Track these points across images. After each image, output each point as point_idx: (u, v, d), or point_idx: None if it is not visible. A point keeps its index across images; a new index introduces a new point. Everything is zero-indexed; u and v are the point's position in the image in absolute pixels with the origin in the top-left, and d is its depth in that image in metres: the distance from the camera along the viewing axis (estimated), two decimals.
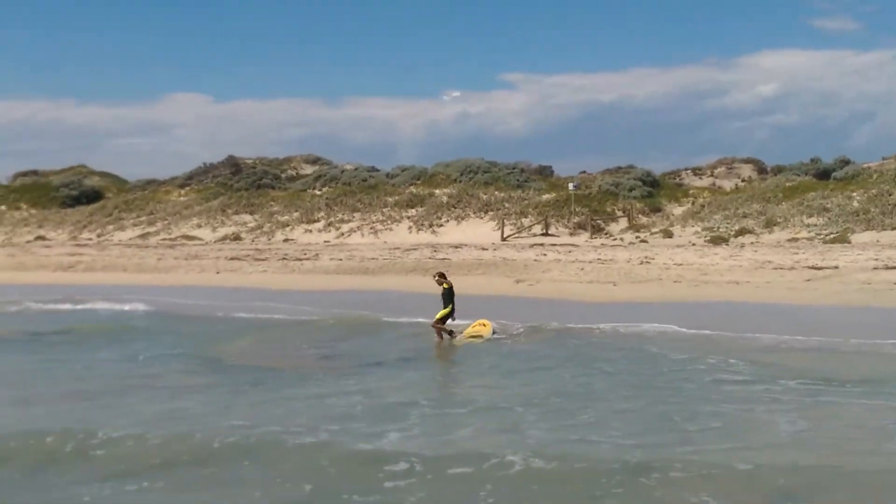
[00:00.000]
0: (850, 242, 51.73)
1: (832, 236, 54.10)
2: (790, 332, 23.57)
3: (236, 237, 70.89)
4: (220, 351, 23.71)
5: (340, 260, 50.25)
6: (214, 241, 69.36)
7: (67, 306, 33.86)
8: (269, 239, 69.16)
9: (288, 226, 71.49)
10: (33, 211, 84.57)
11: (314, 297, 34.12)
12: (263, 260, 51.69)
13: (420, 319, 27.33)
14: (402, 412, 16.15)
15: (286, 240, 68.19)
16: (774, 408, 15.93)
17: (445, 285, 25.71)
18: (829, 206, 59.67)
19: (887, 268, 37.90)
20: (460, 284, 36.55)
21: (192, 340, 25.29)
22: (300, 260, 51.05)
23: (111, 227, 78.32)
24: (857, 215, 57.16)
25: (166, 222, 77.04)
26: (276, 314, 30.65)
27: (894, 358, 20.52)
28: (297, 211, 73.51)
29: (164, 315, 31.08)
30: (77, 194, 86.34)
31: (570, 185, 67.77)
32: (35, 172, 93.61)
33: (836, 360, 20.45)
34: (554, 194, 69.25)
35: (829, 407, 16.21)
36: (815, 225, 57.47)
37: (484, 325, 25.19)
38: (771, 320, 25.86)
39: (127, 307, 32.88)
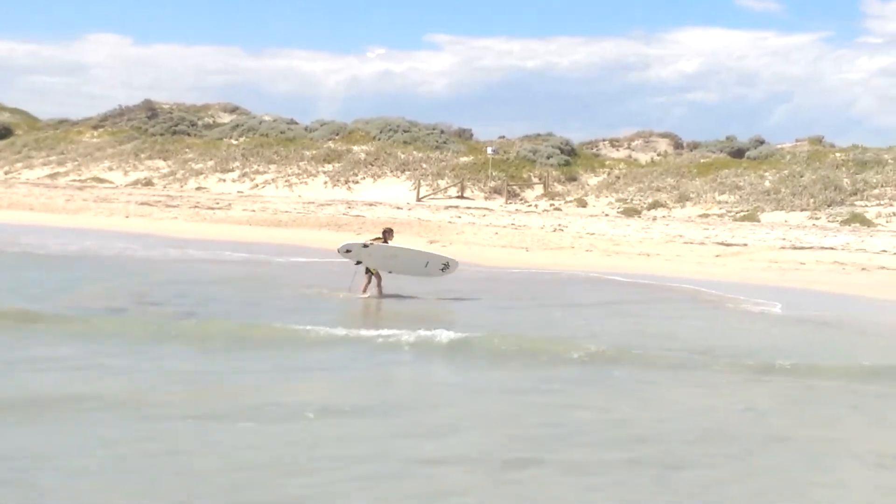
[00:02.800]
0: (759, 221, 52.34)
1: (742, 214, 54.69)
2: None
3: (148, 182, 69.84)
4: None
5: (253, 211, 49.74)
6: (125, 185, 68.30)
7: None
8: (182, 186, 68.24)
9: (202, 174, 70.59)
10: None
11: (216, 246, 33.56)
12: (174, 207, 50.98)
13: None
14: None
15: (199, 188, 67.32)
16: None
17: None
18: (741, 184, 60.30)
19: (794, 248, 38.35)
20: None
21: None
22: (212, 209, 50.41)
23: (19, 164, 76.79)
24: (768, 195, 57.84)
25: (77, 163, 75.67)
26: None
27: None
28: (211, 160, 72.57)
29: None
30: None
31: (489, 150, 67.67)
32: None
33: None
34: (472, 157, 69.12)
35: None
36: (727, 202, 58.06)
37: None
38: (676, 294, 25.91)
39: None
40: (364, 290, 22.23)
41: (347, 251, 22.36)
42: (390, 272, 22.70)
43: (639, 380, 14.33)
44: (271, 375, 13.69)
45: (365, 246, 22.24)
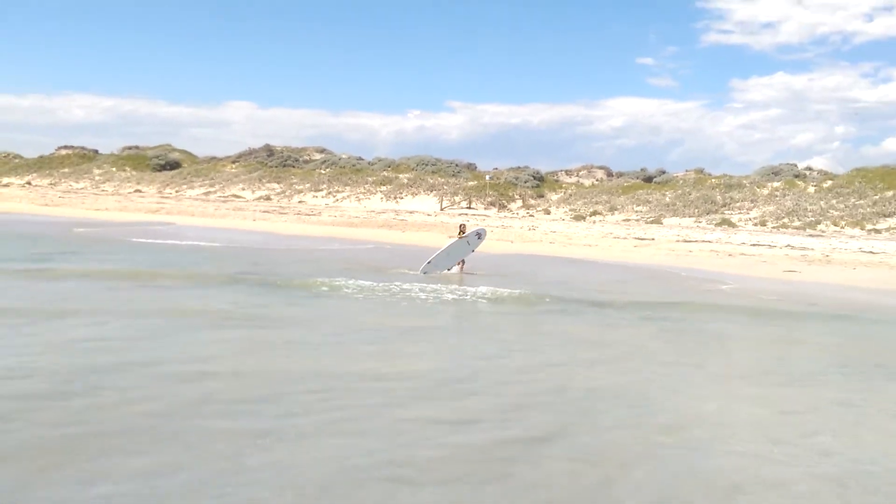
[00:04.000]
0: (662, 224, 52.22)
1: (651, 219, 54.59)
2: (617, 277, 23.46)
3: (268, 198, 70.04)
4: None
5: (335, 216, 49.81)
6: (253, 200, 68.50)
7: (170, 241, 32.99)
8: (289, 201, 68.46)
9: (302, 192, 70.77)
10: (133, 173, 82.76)
11: (308, 241, 33.59)
12: (285, 214, 51.08)
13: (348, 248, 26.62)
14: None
15: (300, 202, 67.49)
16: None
17: (460, 235, 22.16)
18: (650, 199, 60.17)
19: (685, 241, 38.32)
20: (413, 237, 36.54)
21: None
22: (309, 215, 50.52)
23: (185, 186, 77.09)
24: (668, 207, 57.74)
25: (221, 185, 75.91)
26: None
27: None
28: (308, 183, 72.76)
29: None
30: (163, 163, 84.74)
31: (487, 177, 67.69)
32: (136, 147, 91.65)
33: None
34: (476, 182, 69.10)
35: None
36: (641, 211, 57.98)
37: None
38: (608, 268, 25.88)
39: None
40: (461, 268, 21.41)
41: (425, 273, 20.69)
42: (457, 261, 21.47)
43: (582, 312, 14.34)
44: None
45: (428, 263, 20.92)
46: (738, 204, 56.38)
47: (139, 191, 75.52)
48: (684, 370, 10.45)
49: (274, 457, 6.26)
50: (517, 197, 65.83)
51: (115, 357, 9.06)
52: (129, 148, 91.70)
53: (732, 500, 6.03)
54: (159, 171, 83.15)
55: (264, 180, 75.34)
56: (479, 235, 22.57)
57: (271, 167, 78.96)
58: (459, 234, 22.21)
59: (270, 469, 6.03)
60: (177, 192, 74.98)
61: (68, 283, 15.45)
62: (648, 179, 68.36)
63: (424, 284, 17.97)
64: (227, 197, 70.92)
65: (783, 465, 6.86)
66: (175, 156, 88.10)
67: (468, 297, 16.54)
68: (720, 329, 14.38)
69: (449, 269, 21.48)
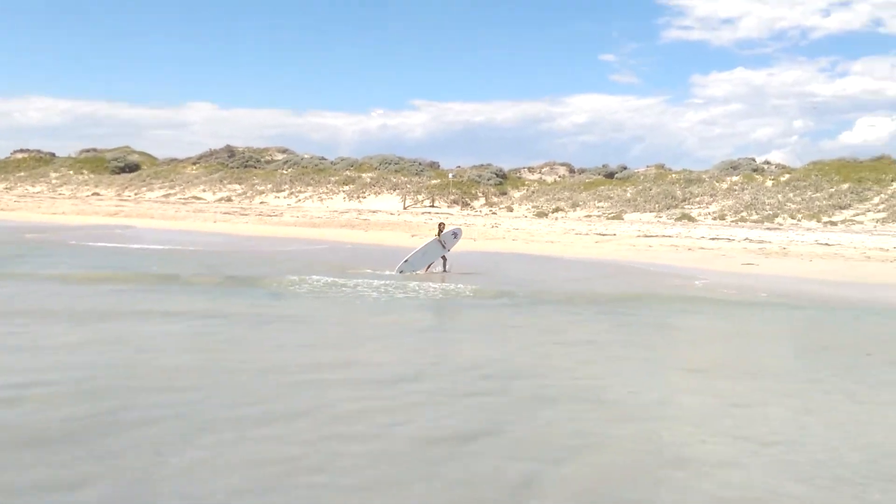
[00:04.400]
0: (623, 219, 52.74)
1: (612, 215, 55.10)
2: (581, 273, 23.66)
3: (229, 199, 69.42)
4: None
5: (297, 217, 49.56)
6: (214, 202, 67.85)
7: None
8: (251, 202, 67.94)
9: (263, 193, 70.26)
10: (91, 176, 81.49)
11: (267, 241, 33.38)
12: (246, 215, 50.68)
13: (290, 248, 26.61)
14: None
15: (262, 203, 67.01)
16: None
17: (438, 234, 22.17)
18: (612, 195, 60.72)
19: (646, 236, 38.76)
20: (376, 237, 36.49)
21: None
22: (270, 216, 50.20)
23: (144, 188, 76.13)
24: (629, 202, 58.30)
25: (181, 187, 75.08)
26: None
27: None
28: (270, 184, 72.25)
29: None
30: (122, 165, 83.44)
31: (450, 175, 67.79)
32: (95, 150, 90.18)
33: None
34: (439, 180, 69.16)
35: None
36: (603, 207, 58.49)
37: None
38: (568, 264, 26.09)
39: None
40: (428, 269, 21.29)
41: (401, 272, 20.62)
42: (433, 260, 21.51)
43: (542, 303, 14.48)
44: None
45: (405, 262, 20.86)
46: (697, 199, 57.15)
47: (97, 194, 74.40)
48: (637, 362, 10.59)
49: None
50: (480, 195, 66.02)
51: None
52: (87, 150, 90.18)
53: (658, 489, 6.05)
54: (118, 173, 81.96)
55: (225, 181, 74.63)
56: (455, 235, 22.64)
57: (232, 168, 78.24)
58: (438, 233, 22.26)
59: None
60: (136, 194, 74.01)
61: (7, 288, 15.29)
62: (610, 175, 68.97)
63: (379, 282, 18.04)
64: (188, 199, 70.17)
65: (719, 451, 6.98)
66: (134, 158, 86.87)
67: (421, 294, 16.61)
68: (677, 322, 14.63)
69: (426, 270, 21.41)
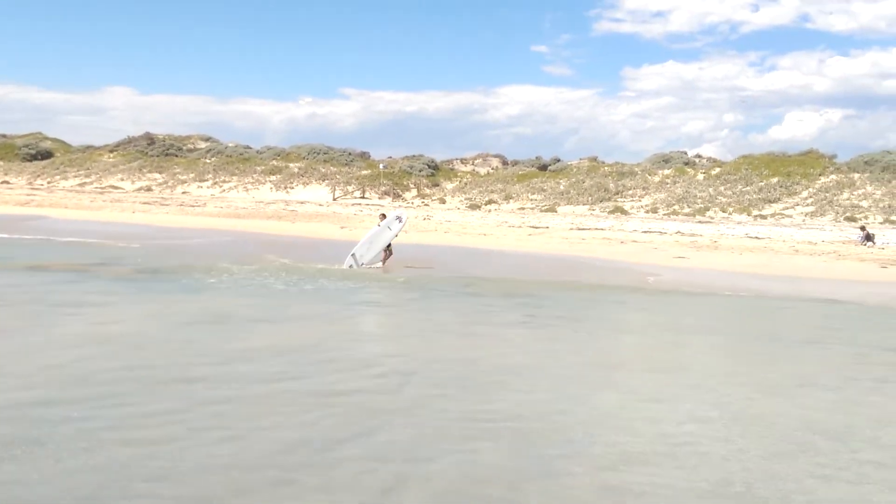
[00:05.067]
0: (557, 212, 53.22)
1: (546, 207, 55.55)
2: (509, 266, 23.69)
3: (149, 189, 67.55)
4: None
5: (221, 208, 48.50)
6: (133, 191, 65.94)
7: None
8: (172, 191, 66.22)
9: (186, 183, 68.57)
10: (0, 163, 78.35)
11: (185, 232, 32.62)
12: (167, 205, 49.39)
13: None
14: None
15: (184, 192, 65.41)
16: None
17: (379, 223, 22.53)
18: (545, 188, 61.19)
19: (579, 229, 39.14)
20: (304, 228, 35.97)
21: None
22: (193, 206, 49.02)
23: (58, 177, 73.46)
24: (562, 195, 58.84)
25: (98, 176, 72.71)
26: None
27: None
28: (192, 173, 70.51)
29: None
30: (34, 153, 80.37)
31: (381, 165, 67.31)
32: (4, 136, 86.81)
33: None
34: (370, 171, 68.57)
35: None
36: (536, 200, 58.88)
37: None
38: (498, 257, 26.13)
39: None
40: (384, 262, 21.38)
41: (350, 267, 20.70)
42: (384, 249, 21.43)
43: (449, 297, 14.41)
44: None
45: (350, 267, 20.81)
46: (630, 191, 58.05)
47: (6, 182, 71.50)
48: (551, 357, 10.53)
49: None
50: (412, 186, 65.79)
51: None
52: None
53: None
54: (29, 160, 78.93)
55: (145, 170, 72.66)
56: (400, 219, 22.44)
57: (152, 156, 76.21)
58: (380, 217, 22.22)
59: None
60: (49, 183, 71.43)
61: None
62: (543, 168, 69.48)
63: (285, 276, 17.74)
64: (105, 188, 68.03)
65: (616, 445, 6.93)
66: (47, 145, 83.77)
67: (330, 287, 16.38)
68: (601, 314, 14.70)
69: (373, 263, 21.12)
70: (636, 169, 62.88)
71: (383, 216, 22.83)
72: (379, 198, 62.27)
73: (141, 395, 7.73)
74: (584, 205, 55.77)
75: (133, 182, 70.21)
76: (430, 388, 8.40)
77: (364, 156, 76.99)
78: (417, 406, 7.70)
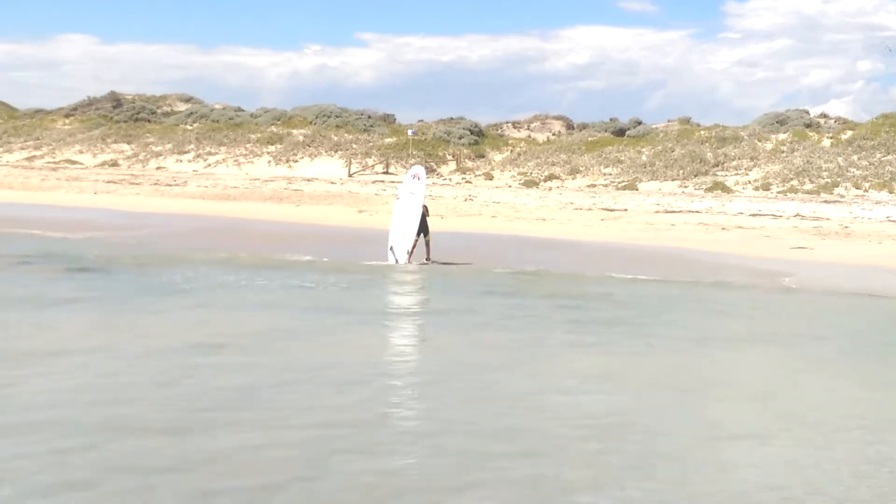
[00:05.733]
0: (637, 189, 52.96)
1: (623, 184, 55.28)
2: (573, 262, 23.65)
3: (114, 163, 68.53)
4: None
5: (206, 187, 49.07)
6: (94, 167, 66.94)
7: None
8: (144, 166, 67.10)
9: (161, 156, 69.43)
10: None
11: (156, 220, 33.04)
12: (137, 184, 50.13)
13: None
14: None
15: (159, 168, 66.25)
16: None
17: None
18: (622, 158, 60.88)
19: (666, 212, 38.92)
20: (311, 213, 36.28)
21: None
22: (170, 186, 49.68)
23: (0, 149, 74.86)
24: (645, 167, 58.50)
25: (51, 147, 73.95)
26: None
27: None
28: (169, 143, 71.39)
29: None
30: None
31: (409, 132, 67.36)
32: None
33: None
34: (395, 139, 68.79)
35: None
36: (611, 174, 58.63)
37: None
38: (563, 248, 26.11)
39: None
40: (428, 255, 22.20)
41: (396, 260, 21.97)
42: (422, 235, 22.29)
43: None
44: None
45: (391, 249, 22.15)
46: (734, 163, 57.52)
47: None
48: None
49: None
50: (450, 157, 65.89)
51: None
52: None
53: None
54: None
55: (110, 140, 73.67)
56: (417, 177, 23.31)
57: (119, 122, 77.24)
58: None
59: None
60: None
61: None
62: (620, 132, 69.07)
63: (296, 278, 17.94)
64: (59, 163, 69.18)
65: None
66: None
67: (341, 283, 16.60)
68: (707, 326, 14.67)
69: (412, 252, 22.04)
70: (742, 133, 62.29)
71: (425, 207, 23.16)
72: (407, 173, 62.57)
73: None
74: (673, 180, 55.43)
75: (95, 155, 71.24)
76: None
77: (388, 119, 77.18)
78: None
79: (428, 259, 22.10)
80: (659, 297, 17.77)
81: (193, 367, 10.41)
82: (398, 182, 56.47)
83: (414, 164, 24.40)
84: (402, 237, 22.26)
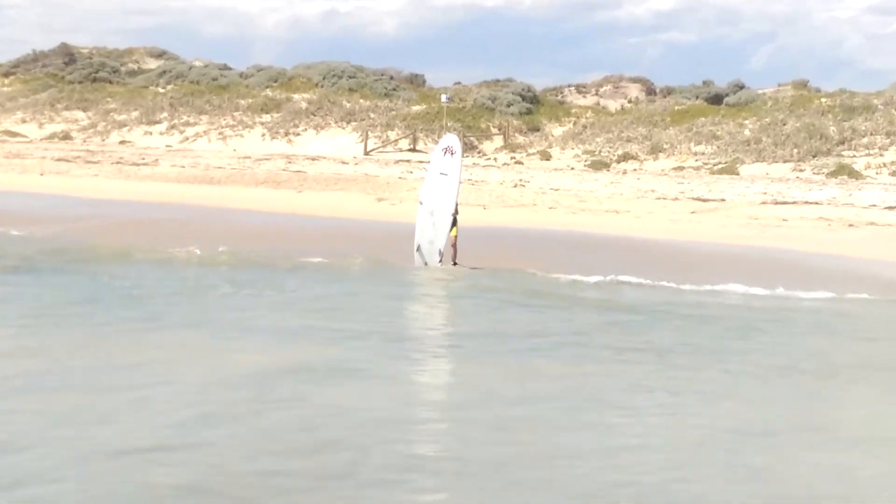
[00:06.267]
0: (738, 174, 52.60)
1: (720, 166, 54.94)
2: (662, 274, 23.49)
3: (66, 136, 68.84)
4: None
5: (183, 167, 49.24)
6: (41, 140, 67.22)
7: None
8: (104, 140, 67.29)
9: (126, 126, 69.65)
10: None
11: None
12: (95, 163, 50.36)
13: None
14: None
15: (123, 142, 66.52)
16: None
17: None
18: (719, 133, 60.51)
19: (776, 202, 38.56)
20: (317, 201, 36.36)
21: None
22: (137, 165, 49.89)
23: None
24: (748, 145, 58.08)
25: None
26: None
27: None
28: (136, 110, 71.59)
29: None
30: None
31: (443, 98, 67.29)
32: None
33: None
34: (424, 106, 68.71)
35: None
36: (703, 153, 58.26)
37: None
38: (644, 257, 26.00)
39: None
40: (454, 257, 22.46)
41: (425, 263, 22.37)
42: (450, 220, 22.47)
43: None
44: None
45: (418, 250, 22.42)
46: (864, 140, 56.98)
47: None
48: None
49: None
50: (495, 131, 65.80)
51: None
52: None
53: None
54: None
55: (60, 106, 74.11)
56: (450, 151, 23.46)
57: (72, 83, 77.68)
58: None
59: None
60: None
61: None
62: (716, 100, 68.66)
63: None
64: None
65: None
66: None
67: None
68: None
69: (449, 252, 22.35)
70: (875, 102, 61.74)
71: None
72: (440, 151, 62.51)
73: None
74: (784, 162, 55.05)
75: (41, 125, 71.73)
76: None
77: (415, 82, 77.20)
78: None
79: (454, 261, 22.10)
80: (775, 318, 17.63)
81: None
82: (428, 163, 56.42)
83: (451, 138, 24.04)
84: (432, 232, 22.22)
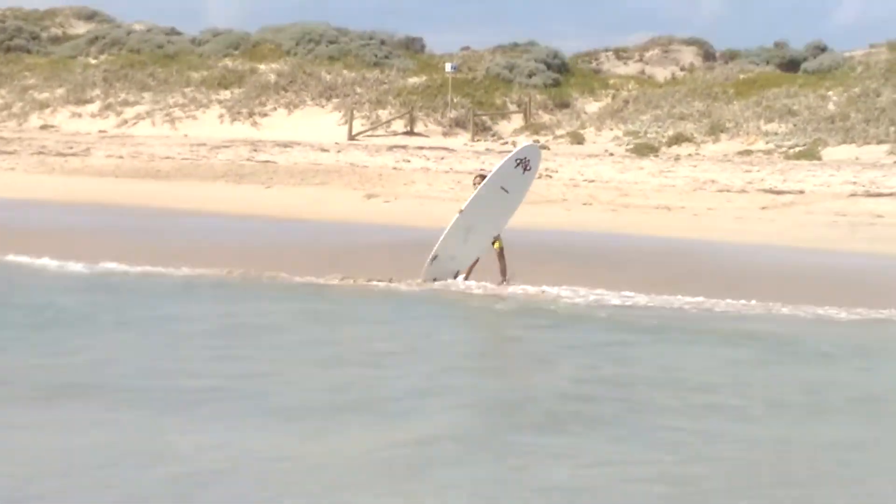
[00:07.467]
0: (820, 159, 52.67)
1: (798, 150, 55.02)
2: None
3: None
4: None
5: (121, 158, 49.34)
6: None
7: None
8: (21, 124, 67.50)
9: (48, 107, 69.82)
10: None
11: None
12: (11, 153, 50.48)
13: None
14: None
15: (45, 126, 66.71)
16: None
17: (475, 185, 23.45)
18: (795, 108, 60.54)
19: (868, 194, 38.53)
20: (290, 199, 36.44)
21: None
22: (63, 155, 49.99)
23: None
24: (833, 122, 58.14)
25: None
26: None
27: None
28: (61, 87, 71.74)
29: None
30: None
31: (448, 67, 67.47)
32: None
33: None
34: (424, 78, 68.79)
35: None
36: (777, 134, 58.33)
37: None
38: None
39: None
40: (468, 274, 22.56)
41: (433, 279, 22.32)
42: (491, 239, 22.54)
43: None
44: None
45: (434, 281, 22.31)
46: None
47: None
48: None
49: None
50: (513, 108, 65.91)
51: None
52: None
53: None
54: None
55: None
56: (524, 166, 22.87)
57: None
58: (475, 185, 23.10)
59: None
60: None
61: None
62: (792, 66, 68.72)
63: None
64: None
65: None
66: None
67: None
68: None
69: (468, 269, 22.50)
70: None
71: (481, 179, 23.09)
72: (444, 133, 62.55)
73: None
74: (879, 143, 55.12)
75: None
76: None
77: (412, 47, 77.36)
78: None
79: (503, 277, 22.30)
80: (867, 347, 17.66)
81: None
82: (436, 147, 56.51)
83: (529, 145, 23.87)
84: (460, 249, 22.05)
